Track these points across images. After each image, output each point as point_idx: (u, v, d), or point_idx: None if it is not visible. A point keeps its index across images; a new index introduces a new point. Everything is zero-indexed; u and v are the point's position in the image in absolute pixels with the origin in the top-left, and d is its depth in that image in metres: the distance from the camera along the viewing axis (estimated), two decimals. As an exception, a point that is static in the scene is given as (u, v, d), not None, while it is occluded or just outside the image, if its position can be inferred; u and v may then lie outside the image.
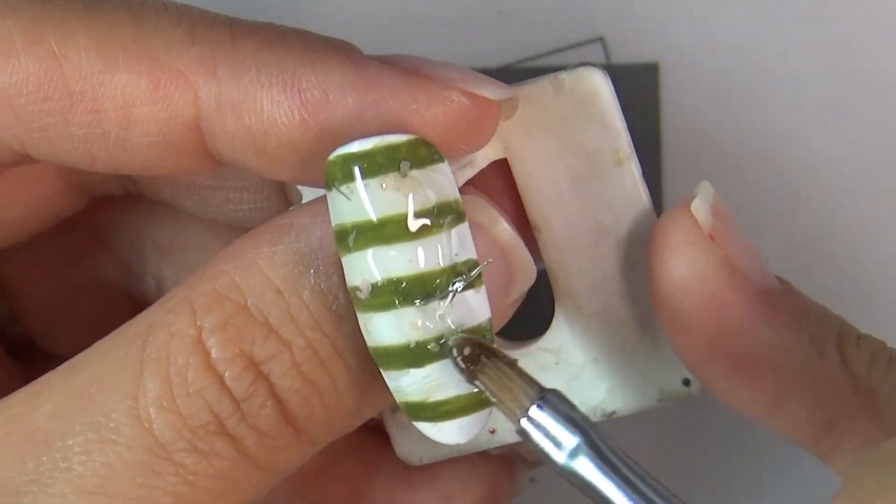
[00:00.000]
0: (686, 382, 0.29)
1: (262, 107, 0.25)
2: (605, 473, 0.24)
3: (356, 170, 0.24)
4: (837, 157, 0.39)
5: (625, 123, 0.28)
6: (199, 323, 0.25)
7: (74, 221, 0.33)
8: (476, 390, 0.25)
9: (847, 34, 0.38)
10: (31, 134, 0.26)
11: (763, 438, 0.39)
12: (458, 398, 0.25)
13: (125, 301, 0.34)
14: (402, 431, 0.30)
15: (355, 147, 0.24)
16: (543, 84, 0.28)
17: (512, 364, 0.25)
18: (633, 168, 0.28)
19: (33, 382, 0.26)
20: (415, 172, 0.24)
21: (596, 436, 0.24)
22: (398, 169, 0.24)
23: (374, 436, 0.32)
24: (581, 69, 0.28)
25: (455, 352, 0.24)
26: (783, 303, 0.27)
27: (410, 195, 0.24)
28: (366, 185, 0.24)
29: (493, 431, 0.30)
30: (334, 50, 0.26)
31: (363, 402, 0.26)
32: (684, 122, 0.39)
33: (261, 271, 0.25)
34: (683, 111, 0.39)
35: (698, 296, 0.26)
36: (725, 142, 0.39)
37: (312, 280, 0.25)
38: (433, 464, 0.30)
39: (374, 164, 0.24)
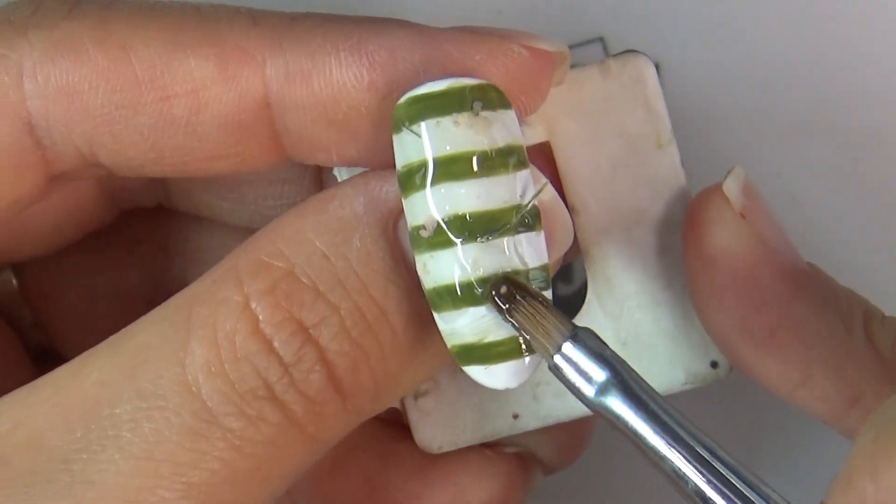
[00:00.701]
0: (714, 365, 0.29)
1: (330, 71, 0.26)
2: (633, 408, 0.25)
3: (428, 109, 0.25)
4: (837, 157, 0.39)
5: (666, 109, 0.29)
6: (245, 290, 0.25)
7: (100, 230, 0.33)
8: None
9: (847, 34, 0.38)
10: (99, 129, 0.26)
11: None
12: (513, 338, 0.25)
13: (149, 307, 0.34)
14: (423, 418, 0.30)
15: (427, 88, 0.25)
16: (591, 69, 0.29)
17: (546, 303, 0.25)
18: (674, 152, 0.29)
19: (81, 355, 0.26)
20: (485, 114, 0.25)
21: (625, 372, 0.25)
22: (470, 108, 0.25)
23: (390, 429, 0.32)
24: (628, 55, 0.29)
25: (493, 290, 0.25)
26: (812, 280, 0.28)
27: (481, 134, 0.25)
28: (437, 123, 0.25)
29: (515, 416, 0.30)
30: (392, 20, 0.26)
31: (406, 369, 0.26)
32: (684, 121, 0.39)
33: (307, 238, 0.25)
34: (683, 111, 0.39)
35: (731, 270, 0.27)
36: (725, 142, 0.39)
37: (359, 244, 0.25)
38: (448, 460, 0.30)
39: (447, 104, 0.25)
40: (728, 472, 0.25)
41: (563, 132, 0.29)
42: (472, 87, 0.25)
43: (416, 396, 0.30)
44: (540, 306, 0.25)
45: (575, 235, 0.29)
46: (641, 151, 0.29)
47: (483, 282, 0.25)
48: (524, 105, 0.27)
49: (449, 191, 0.25)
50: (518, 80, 0.26)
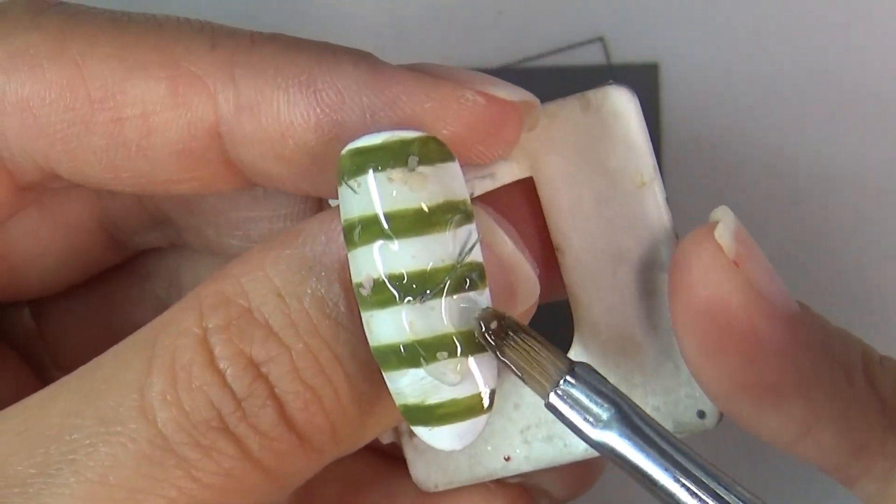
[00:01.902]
0: (701, 415, 0.29)
1: (278, 108, 0.25)
2: (637, 447, 0.24)
3: (365, 162, 0.24)
4: (837, 157, 0.39)
5: (650, 145, 0.28)
6: (204, 323, 0.25)
7: (114, 266, 0.33)
8: (472, 393, 0.25)
9: (847, 34, 0.38)
10: (54, 146, 0.26)
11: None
12: (454, 402, 0.25)
13: None
14: (417, 456, 0.30)
15: (365, 141, 0.24)
16: (571, 102, 0.28)
17: (539, 338, 0.25)
18: (657, 191, 0.28)
19: (52, 384, 0.26)
20: (423, 168, 0.24)
21: (628, 407, 0.24)
22: (406, 164, 0.24)
23: (394, 463, 0.32)
24: (609, 88, 0.28)
25: (482, 325, 0.24)
26: (808, 328, 0.27)
27: (418, 191, 0.24)
28: (373, 179, 0.24)
29: (507, 459, 0.29)
30: (349, 53, 0.26)
31: (366, 413, 0.26)
32: (684, 122, 0.39)
33: (265, 275, 0.25)
34: (683, 111, 0.39)
35: (726, 322, 0.26)
36: (725, 142, 0.39)
37: (314, 286, 0.25)
38: (452, 494, 0.30)
39: (383, 158, 0.24)
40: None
41: (546, 167, 0.28)
42: (411, 141, 0.24)
43: (412, 434, 0.29)
44: (534, 342, 0.25)
45: (561, 276, 0.29)
46: (624, 189, 0.28)
47: (422, 345, 0.24)
48: (483, 154, 0.26)
49: (384, 250, 0.24)
50: (472, 129, 0.25)
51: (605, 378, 0.25)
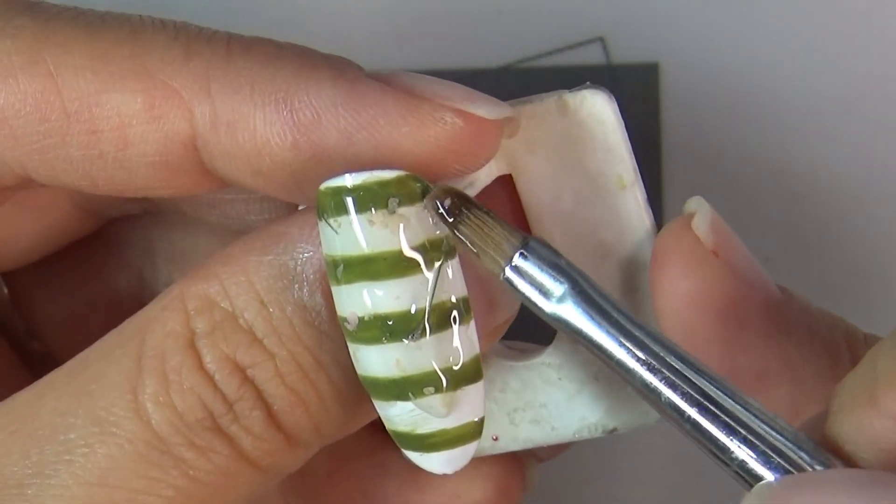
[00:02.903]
0: None
1: (255, 126, 0.25)
2: (592, 319, 0.24)
3: (345, 203, 0.24)
4: (837, 156, 0.39)
5: (630, 147, 0.28)
6: (191, 325, 0.25)
7: (90, 236, 0.33)
8: (461, 423, 0.25)
9: (847, 34, 0.38)
10: (30, 156, 0.26)
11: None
12: (444, 431, 0.25)
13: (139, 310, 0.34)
14: None
15: (346, 181, 0.24)
16: (548, 103, 0.28)
17: (493, 214, 0.24)
18: (638, 193, 0.28)
19: (38, 382, 0.26)
20: (403, 210, 0.24)
21: (583, 280, 0.24)
22: (386, 206, 0.24)
23: (383, 435, 0.32)
24: (586, 91, 0.28)
25: (438, 204, 0.24)
26: (791, 311, 0.27)
27: (398, 233, 0.24)
28: (354, 221, 0.24)
29: (496, 439, 0.30)
30: (329, 67, 0.25)
31: (351, 414, 0.26)
32: (684, 122, 0.39)
33: (248, 281, 0.25)
34: (683, 111, 0.39)
35: (709, 312, 0.26)
36: (725, 142, 0.39)
37: (296, 294, 0.25)
38: None
39: (363, 200, 0.24)
40: (701, 379, 0.24)
41: (524, 166, 0.28)
42: (390, 182, 0.24)
43: None
44: (487, 218, 0.24)
45: None
46: (604, 191, 0.28)
47: (409, 381, 0.24)
48: (460, 172, 0.26)
49: (367, 290, 0.24)
50: (450, 151, 0.25)
51: (558, 252, 0.24)
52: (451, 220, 0.24)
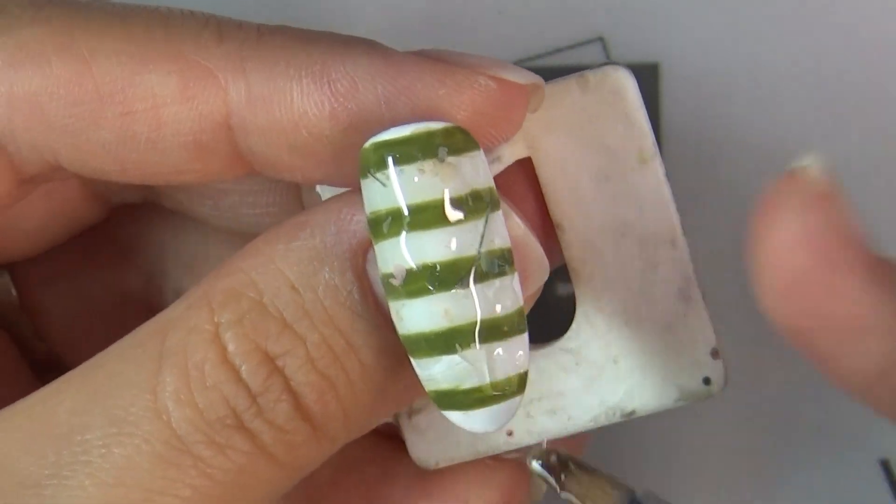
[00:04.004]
0: (706, 381, 0.29)
1: (292, 99, 0.25)
2: None
3: (393, 157, 0.24)
4: (837, 157, 0.39)
5: (649, 122, 0.29)
6: (216, 319, 0.25)
7: (96, 234, 0.33)
8: (508, 376, 0.25)
9: (847, 34, 0.39)
10: (62, 140, 0.26)
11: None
12: (490, 385, 0.25)
13: (146, 314, 0.34)
14: (417, 435, 0.30)
15: (392, 134, 0.24)
16: (569, 82, 0.28)
17: (597, 470, 0.25)
18: (658, 167, 0.29)
19: (54, 381, 0.26)
20: (451, 159, 0.24)
21: None
22: (436, 155, 0.24)
23: (388, 442, 0.32)
24: (607, 68, 0.28)
25: (541, 463, 0.25)
26: (892, 271, 0.27)
27: (447, 182, 0.24)
28: (402, 171, 0.24)
29: (510, 433, 0.30)
30: (361, 43, 0.26)
31: (378, 400, 0.26)
32: (684, 122, 0.39)
33: (276, 268, 0.25)
34: (683, 111, 0.39)
35: (817, 254, 0.26)
36: (725, 142, 0.39)
37: (327, 276, 0.25)
38: (448, 470, 0.30)
39: (412, 151, 0.24)
40: None
41: (545, 148, 0.29)
42: (438, 132, 0.24)
43: (410, 414, 0.30)
44: (591, 474, 0.25)
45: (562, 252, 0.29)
46: (624, 166, 0.29)
47: (457, 331, 0.24)
48: (493, 137, 0.26)
49: (417, 240, 0.24)
50: (486, 114, 0.26)
51: (667, 501, 0.25)
52: (555, 478, 0.25)
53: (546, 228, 0.29)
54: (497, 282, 0.25)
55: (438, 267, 0.24)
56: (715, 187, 0.39)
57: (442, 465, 0.30)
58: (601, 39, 0.39)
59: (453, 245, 0.24)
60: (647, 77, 0.39)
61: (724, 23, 0.39)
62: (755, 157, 0.39)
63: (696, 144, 0.39)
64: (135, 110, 0.26)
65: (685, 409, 0.30)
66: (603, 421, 0.29)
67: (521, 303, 0.25)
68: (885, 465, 0.39)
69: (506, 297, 0.25)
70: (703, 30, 0.39)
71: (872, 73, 0.39)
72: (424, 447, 0.30)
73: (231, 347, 0.25)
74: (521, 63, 0.39)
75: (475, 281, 0.25)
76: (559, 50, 0.39)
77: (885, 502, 0.39)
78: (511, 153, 0.28)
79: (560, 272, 0.30)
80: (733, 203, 0.39)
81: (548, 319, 0.29)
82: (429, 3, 0.39)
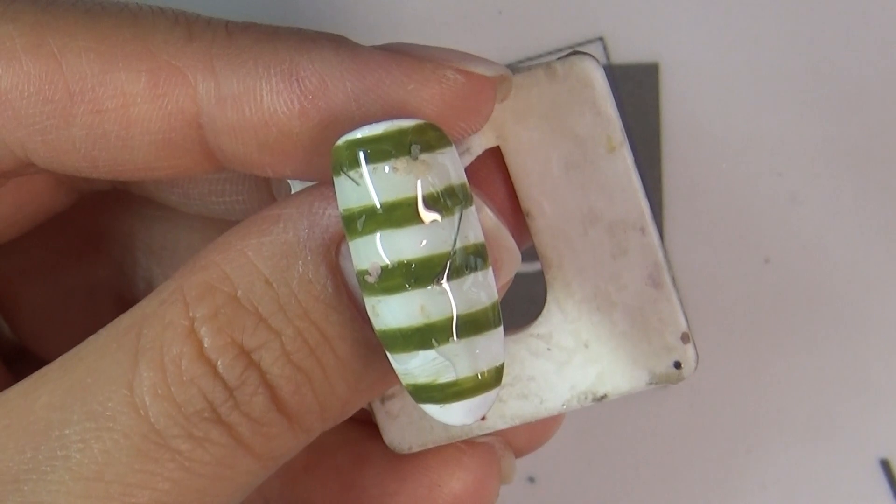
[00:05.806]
0: (677, 365, 0.29)
1: (261, 98, 0.26)
2: None
3: (366, 154, 0.24)
4: (837, 157, 0.39)
5: (617, 111, 0.29)
6: (191, 314, 0.25)
7: (64, 223, 0.33)
8: (484, 369, 0.25)
9: (847, 34, 0.39)
10: (33, 137, 0.27)
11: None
12: (466, 379, 0.25)
13: (117, 303, 0.34)
14: (390, 421, 0.30)
15: (364, 132, 0.24)
16: (536, 71, 0.29)
17: None
18: (626, 155, 0.29)
19: (31, 376, 0.26)
20: (424, 156, 0.25)
21: None
22: (409, 153, 0.24)
23: (362, 428, 0.32)
24: (573, 57, 0.29)
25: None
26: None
27: (420, 178, 0.24)
28: (375, 170, 0.24)
29: (483, 418, 0.30)
30: (328, 39, 0.26)
31: (354, 391, 0.26)
32: (684, 122, 0.39)
33: (250, 262, 0.25)
34: (683, 111, 0.39)
35: None
36: (725, 142, 0.39)
37: (301, 270, 0.25)
38: (421, 453, 0.31)
39: (385, 149, 0.24)
40: None
41: (513, 137, 0.29)
42: (410, 130, 0.24)
43: (383, 399, 0.30)
44: None
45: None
46: (593, 154, 0.29)
47: (433, 327, 0.25)
48: (462, 130, 0.26)
49: (390, 238, 0.24)
50: (455, 108, 0.26)
51: None
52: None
53: (516, 217, 0.29)
54: (472, 277, 0.25)
55: (414, 264, 0.24)
56: (714, 187, 0.39)
57: (415, 449, 0.30)
58: (601, 39, 0.39)
59: (428, 242, 0.25)
60: (647, 77, 0.39)
61: (724, 23, 0.39)
62: (754, 157, 0.39)
63: (696, 144, 0.39)
64: (105, 109, 0.26)
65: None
66: (575, 405, 0.30)
67: (496, 297, 0.25)
68: (885, 465, 0.39)
69: (481, 291, 0.25)
70: (703, 30, 0.39)
71: (872, 73, 0.39)
72: (398, 432, 0.30)
73: (207, 342, 0.25)
74: (522, 63, 0.39)
75: (450, 277, 0.25)
76: (559, 50, 0.39)
77: (885, 502, 0.39)
78: (480, 143, 0.29)
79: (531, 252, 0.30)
80: (732, 203, 0.39)
81: (520, 305, 0.30)
82: (429, 3, 0.39)
